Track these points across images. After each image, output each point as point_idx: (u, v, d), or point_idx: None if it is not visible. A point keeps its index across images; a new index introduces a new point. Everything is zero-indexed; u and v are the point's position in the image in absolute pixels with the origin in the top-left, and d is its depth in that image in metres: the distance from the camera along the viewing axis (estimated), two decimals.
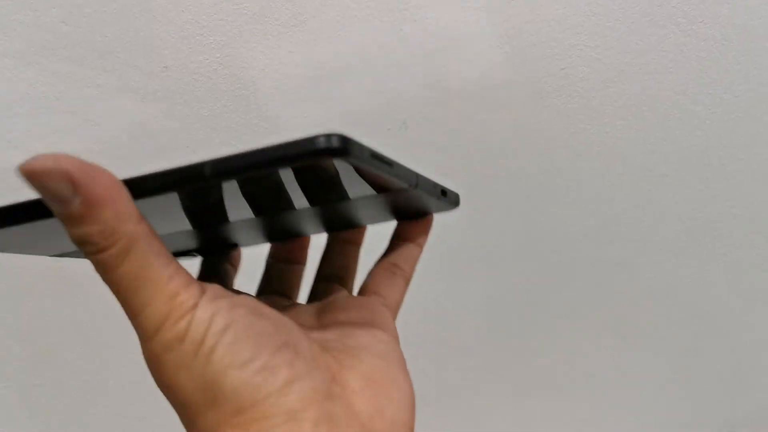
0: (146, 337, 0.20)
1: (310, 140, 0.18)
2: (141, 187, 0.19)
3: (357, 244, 0.31)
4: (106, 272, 0.19)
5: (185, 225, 0.24)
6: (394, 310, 0.29)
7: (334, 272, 0.30)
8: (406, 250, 0.30)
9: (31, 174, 0.18)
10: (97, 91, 0.54)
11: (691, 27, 0.61)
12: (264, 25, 0.55)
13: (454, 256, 0.65)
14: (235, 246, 0.31)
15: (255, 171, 0.18)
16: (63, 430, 0.63)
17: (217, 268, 0.31)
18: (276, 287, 0.30)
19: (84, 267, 0.61)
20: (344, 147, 0.18)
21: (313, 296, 0.30)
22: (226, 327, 0.20)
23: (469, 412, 0.71)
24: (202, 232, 0.26)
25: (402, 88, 0.59)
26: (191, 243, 0.28)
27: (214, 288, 0.21)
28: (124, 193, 0.19)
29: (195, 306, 0.20)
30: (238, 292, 0.24)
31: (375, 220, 0.29)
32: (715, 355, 0.75)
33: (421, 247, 0.31)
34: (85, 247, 0.19)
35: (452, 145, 0.61)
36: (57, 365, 0.61)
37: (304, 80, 0.57)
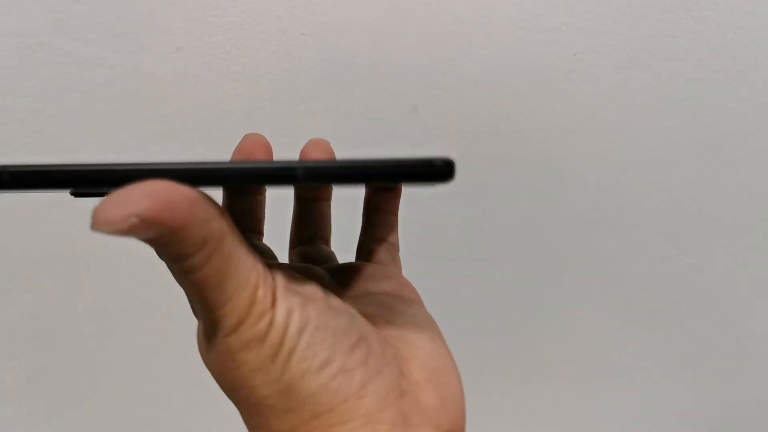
0: (224, 332, 0.19)
1: (428, 164, 0.17)
2: (218, 177, 0.18)
3: (329, 199, 0.31)
4: (191, 273, 0.19)
5: None
6: (401, 269, 0.29)
7: (317, 232, 0.30)
8: (388, 223, 0.30)
9: (116, 234, 0.17)
10: (109, 72, 0.54)
11: (702, 14, 0.61)
12: (277, 7, 0.55)
13: (457, 242, 0.65)
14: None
15: (352, 182, 0.18)
16: (71, 410, 0.63)
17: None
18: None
19: (92, 247, 0.61)
20: (451, 173, 0.18)
21: (310, 260, 0.29)
22: (302, 328, 0.20)
23: (471, 402, 0.72)
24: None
25: (413, 72, 0.59)
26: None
27: (282, 275, 0.21)
28: (201, 200, 0.18)
29: (273, 303, 0.20)
30: (299, 272, 0.23)
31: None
32: (720, 344, 0.75)
33: (397, 215, 0.30)
34: (173, 259, 0.18)
35: (462, 130, 0.61)
36: (65, 346, 0.61)
37: (315, 63, 0.57)
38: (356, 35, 0.57)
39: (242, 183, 0.18)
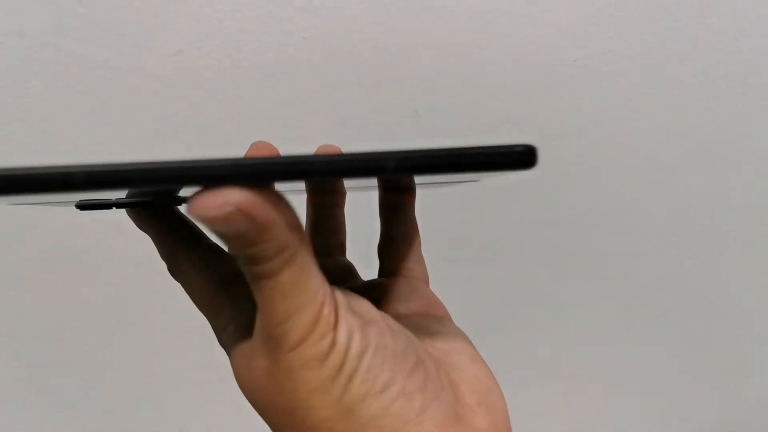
0: (287, 348, 0.19)
1: (510, 150, 0.17)
2: (302, 170, 0.17)
3: (342, 206, 0.30)
4: (266, 278, 0.19)
5: None
6: (428, 282, 0.29)
7: (334, 241, 0.30)
8: (410, 226, 0.29)
9: (209, 221, 0.17)
10: (112, 74, 0.54)
11: (704, 21, 0.61)
12: (278, 10, 0.55)
13: (456, 243, 0.65)
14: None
15: (438, 172, 0.17)
16: (70, 409, 0.63)
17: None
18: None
19: (92, 247, 0.61)
20: (533, 160, 0.17)
21: (333, 275, 0.29)
22: (363, 350, 0.20)
23: None
24: None
25: (414, 76, 0.59)
26: None
27: (342, 295, 0.21)
28: (288, 205, 0.18)
29: (336, 324, 0.19)
30: (356, 292, 0.23)
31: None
32: (719, 347, 0.75)
33: (414, 209, 0.30)
34: (252, 261, 0.18)
35: (463, 134, 0.61)
36: (65, 345, 0.62)
37: (316, 66, 0.57)
38: (358, 39, 0.57)
39: (332, 176, 0.17)
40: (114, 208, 0.26)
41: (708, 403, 0.77)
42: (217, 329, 0.24)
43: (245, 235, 0.18)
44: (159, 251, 0.26)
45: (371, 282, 0.28)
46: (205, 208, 0.17)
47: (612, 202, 0.66)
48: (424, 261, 0.29)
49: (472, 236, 0.65)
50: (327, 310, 0.19)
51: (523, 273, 0.67)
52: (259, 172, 0.17)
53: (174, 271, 0.26)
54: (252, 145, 0.22)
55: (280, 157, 0.17)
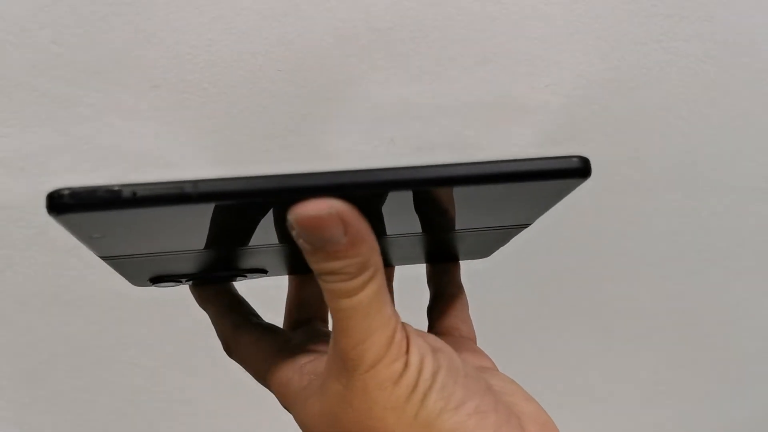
0: (361, 369, 0.20)
1: (567, 159, 0.18)
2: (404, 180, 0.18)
3: (390, 280, 0.31)
4: (346, 296, 0.20)
5: None
6: (475, 341, 0.30)
7: None
8: (453, 281, 0.31)
9: (309, 221, 0.18)
10: (87, 111, 0.55)
11: (672, 44, 0.62)
12: (253, 45, 0.56)
13: None
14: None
15: (495, 182, 0.18)
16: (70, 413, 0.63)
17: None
18: None
19: (78, 282, 0.61)
20: (588, 171, 0.18)
21: None
22: (435, 371, 0.20)
23: None
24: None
25: (389, 105, 0.60)
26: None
27: (411, 329, 0.22)
28: (371, 229, 0.19)
29: (407, 349, 0.20)
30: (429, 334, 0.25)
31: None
32: (710, 362, 0.76)
33: (459, 274, 0.31)
34: (333, 277, 0.19)
35: (437, 160, 0.62)
36: (48, 383, 0.61)
37: (292, 98, 0.58)
38: (332, 70, 0.58)
39: (383, 188, 0.18)
40: (184, 281, 0.27)
41: (700, 419, 0.78)
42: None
43: (336, 245, 0.18)
44: (217, 330, 0.28)
45: None
46: (307, 209, 0.18)
47: (595, 223, 0.67)
48: (471, 321, 0.30)
49: None
50: (399, 336, 0.20)
51: (503, 296, 0.68)
52: (359, 183, 0.18)
53: (230, 350, 0.27)
54: None
55: (372, 170, 0.18)
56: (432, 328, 0.30)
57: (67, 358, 0.61)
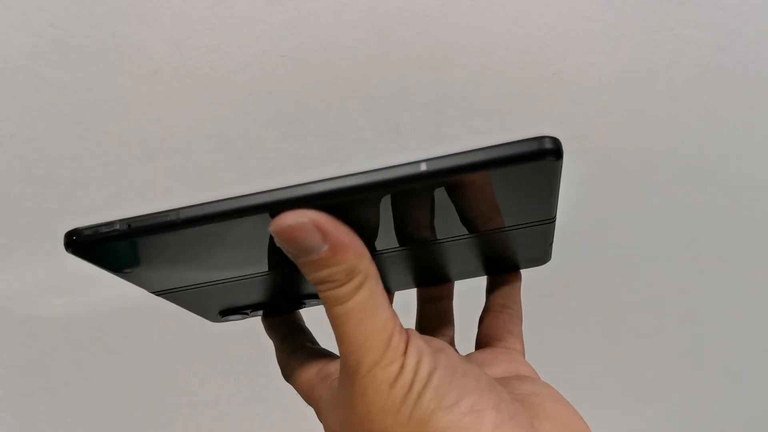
0: (360, 373, 0.21)
1: (533, 140, 0.18)
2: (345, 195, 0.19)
3: (449, 298, 0.32)
4: (339, 303, 0.20)
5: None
6: (523, 354, 0.30)
7: (442, 337, 0.31)
8: (507, 287, 0.31)
9: (286, 231, 0.19)
10: (87, 95, 0.54)
11: (684, 32, 0.61)
12: (256, 29, 0.55)
13: None
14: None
15: (470, 171, 0.19)
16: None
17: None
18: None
19: (76, 273, 0.60)
20: (559, 150, 0.18)
21: None
22: (431, 371, 0.21)
23: None
24: None
25: (394, 93, 0.58)
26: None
27: (414, 333, 0.22)
28: (357, 237, 0.20)
29: (405, 352, 0.21)
30: (434, 338, 0.25)
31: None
32: (713, 361, 0.75)
33: (520, 279, 0.32)
34: (324, 285, 0.20)
35: (443, 150, 0.61)
36: (46, 373, 0.61)
37: (296, 84, 0.57)
38: (337, 56, 0.57)
39: (365, 192, 0.19)
40: (250, 313, 0.29)
41: (703, 418, 0.77)
42: None
43: (317, 254, 0.19)
44: (277, 357, 0.29)
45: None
46: (283, 220, 0.19)
47: (599, 217, 0.66)
48: (520, 334, 0.30)
49: None
50: (397, 339, 0.21)
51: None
52: (324, 193, 0.19)
53: (286, 374, 0.28)
54: None
55: (336, 177, 0.19)
56: (478, 338, 0.31)
57: (66, 348, 0.60)
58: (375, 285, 0.21)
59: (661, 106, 0.63)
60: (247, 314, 0.29)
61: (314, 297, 0.29)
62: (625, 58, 0.61)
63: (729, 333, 0.74)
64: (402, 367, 0.21)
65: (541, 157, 0.18)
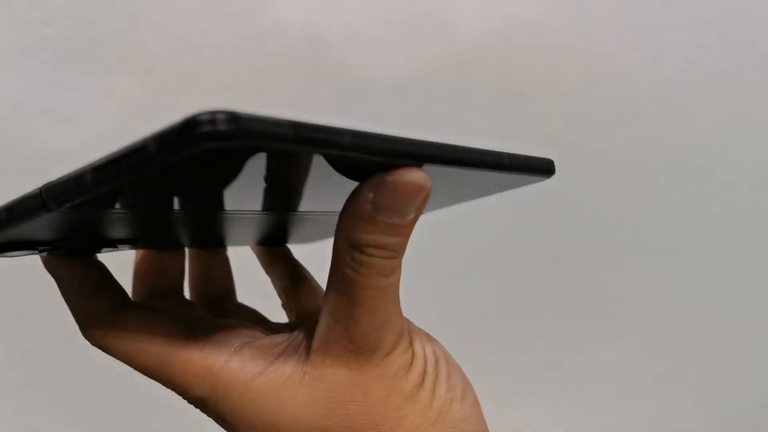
0: (379, 354, 0.19)
1: (540, 161, 0.21)
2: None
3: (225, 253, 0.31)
4: (383, 275, 0.19)
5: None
6: None
7: (228, 287, 0.30)
8: (296, 264, 0.31)
9: (407, 185, 0.17)
10: (79, 93, 0.54)
11: (669, 33, 0.62)
12: (247, 29, 0.55)
13: (436, 258, 0.65)
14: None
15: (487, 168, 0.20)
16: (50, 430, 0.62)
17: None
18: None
19: None
20: (552, 170, 0.22)
21: (243, 316, 0.28)
22: (436, 363, 0.21)
23: None
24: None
25: (381, 91, 0.59)
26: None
27: (407, 319, 0.22)
28: None
29: (411, 338, 0.21)
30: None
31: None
32: (703, 354, 0.75)
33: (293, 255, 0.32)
34: (381, 251, 0.18)
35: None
36: (42, 366, 0.61)
37: (288, 83, 0.57)
38: (331, 54, 0.57)
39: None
40: (39, 250, 0.22)
41: (693, 411, 0.77)
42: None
43: (403, 219, 0.18)
44: (76, 307, 0.23)
45: (294, 322, 0.28)
46: (413, 175, 0.17)
47: (591, 212, 0.67)
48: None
49: (448, 251, 0.65)
50: (407, 325, 0.21)
51: (500, 285, 0.67)
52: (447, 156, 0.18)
53: (99, 334, 0.23)
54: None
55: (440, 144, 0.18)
56: (293, 317, 0.29)
57: (63, 340, 0.60)
58: (400, 272, 0.20)
59: (650, 103, 0.64)
60: (35, 252, 0.22)
61: (129, 243, 0.23)
62: (612, 57, 0.62)
63: (717, 326, 0.75)
64: (414, 354, 0.20)
65: (547, 176, 0.21)
